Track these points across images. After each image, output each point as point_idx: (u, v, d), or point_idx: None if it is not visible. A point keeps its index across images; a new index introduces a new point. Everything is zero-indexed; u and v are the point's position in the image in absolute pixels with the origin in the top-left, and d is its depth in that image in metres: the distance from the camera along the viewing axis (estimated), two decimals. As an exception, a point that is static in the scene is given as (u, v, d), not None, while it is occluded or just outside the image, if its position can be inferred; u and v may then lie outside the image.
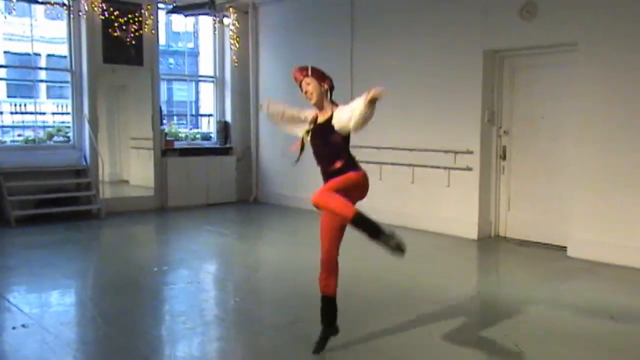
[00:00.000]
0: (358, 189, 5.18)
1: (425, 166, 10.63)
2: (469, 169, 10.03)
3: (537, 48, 9.39)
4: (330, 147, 5.19)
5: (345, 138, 5.21)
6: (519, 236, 9.89)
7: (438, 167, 10.42)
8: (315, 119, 5.30)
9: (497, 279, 8.30)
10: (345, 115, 4.99)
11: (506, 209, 10.07)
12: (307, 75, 5.21)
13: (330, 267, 5.46)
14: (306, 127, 5.35)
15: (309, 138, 5.30)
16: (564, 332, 5.87)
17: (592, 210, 8.63)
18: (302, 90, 5.24)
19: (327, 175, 5.26)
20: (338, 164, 5.18)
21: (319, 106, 5.23)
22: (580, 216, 8.77)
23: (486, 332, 6.01)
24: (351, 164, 5.21)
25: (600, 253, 8.49)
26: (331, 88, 5.27)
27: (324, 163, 5.27)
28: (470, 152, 10.00)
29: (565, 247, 8.98)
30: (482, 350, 5.49)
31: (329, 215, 5.22)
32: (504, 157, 10.01)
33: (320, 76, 5.22)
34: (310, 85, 5.18)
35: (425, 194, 10.73)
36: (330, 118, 5.14)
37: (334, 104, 5.25)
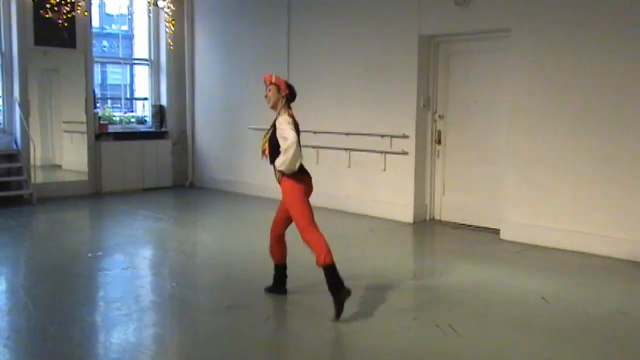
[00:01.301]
0: (308, 194, 6.07)
1: (362, 150, 10.70)
2: (405, 153, 10.13)
3: (472, 34, 9.53)
4: (274, 146, 5.90)
5: None
6: (454, 220, 10.05)
7: (374, 152, 10.50)
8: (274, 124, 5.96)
9: (432, 263, 8.41)
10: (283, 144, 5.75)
11: (441, 193, 10.21)
12: (271, 83, 5.97)
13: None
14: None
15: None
16: (497, 314, 6.00)
17: (523, 193, 8.81)
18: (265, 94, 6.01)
19: (275, 174, 6.00)
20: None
21: (275, 109, 5.99)
22: (512, 200, 8.96)
23: (421, 314, 6.10)
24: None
25: (532, 236, 8.69)
26: (290, 96, 6.00)
27: (273, 161, 5.95)
28: (406, 137, 10.10)
29: (498, 230, 9.16)
30: (418, 333, 5.57)
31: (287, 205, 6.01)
32: (439, 142, 10.13)
33: (281, 87, 5.96)
34: (271, 92, 5.96)
35: (361, 178, 10.81)
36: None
37: (289, 110, 5.99)
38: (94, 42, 13.34)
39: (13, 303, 6.36)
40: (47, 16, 11.99)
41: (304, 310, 6.03)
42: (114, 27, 17.42)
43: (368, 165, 10.68)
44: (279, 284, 6.39)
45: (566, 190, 8.42)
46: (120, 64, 15.33)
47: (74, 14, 12.24)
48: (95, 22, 13.98)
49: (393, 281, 7.02)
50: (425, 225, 10.10)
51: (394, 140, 10.25)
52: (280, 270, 6.37)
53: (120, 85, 15.83)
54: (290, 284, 6.43)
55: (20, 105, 11.87)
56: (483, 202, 9.64)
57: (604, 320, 5.91)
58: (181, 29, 13.92)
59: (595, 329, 5.69)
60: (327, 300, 6.16)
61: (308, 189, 6.08)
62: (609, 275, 7.42)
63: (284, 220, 6.17)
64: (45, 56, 12.48)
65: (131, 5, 14.41)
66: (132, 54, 15.28)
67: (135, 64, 14.94)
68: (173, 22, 13.67)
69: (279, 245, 6.26)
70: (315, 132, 11.33)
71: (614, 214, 8.03)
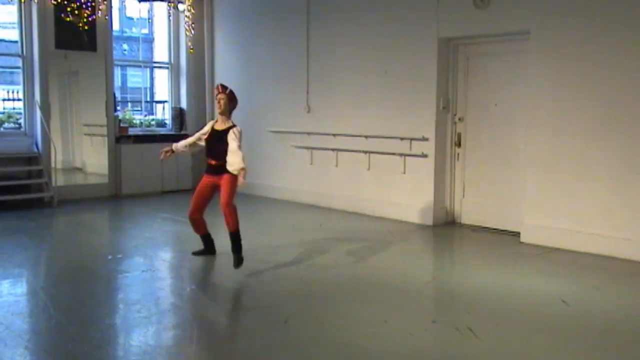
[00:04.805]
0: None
1: (381, 153, 10.68)
2: (424, 155, 10.10)
3: (491, 36, 9.48)
4: (222, 148, 7.35)
5: None
6: (473, 222, 10.00)
7: (394, 154, 10.47)
8: (213, 127, 7.62)
9: (451, 265, 8.38)
10: (232, 148, 7.28)
11: (461, 195, 10.17)
12: (224, 93, 7.52)
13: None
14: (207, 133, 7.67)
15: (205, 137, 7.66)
16: (517, 317, 5.96)
17: (544, 196, 8.75)
18: (216, 99, 7.61)
19: (214, 167, 7.47)
20: (222, 162, 7.38)
21: (223, 115, 7.55)
22: (532, 202, 8.89)
23: (441, 317, 6.08)
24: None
25: (552, 238, 8.62)
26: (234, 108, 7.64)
27: (215, 158, 7.45)
28: (426, 139, 10.07)
29: (518, 232, 9.10)
30: (437, 336, 5.55)
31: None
32: (458, 144, 10.09)
33: (232, 97, 7.56)
34: (223, 100, 7.50)
35: (381, 180, 10.78)
36: (228, 129, 7.40)
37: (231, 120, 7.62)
38: (114, 45, 13.43)
39: (33, 304, 6.40)
40: (68, 19, 12.08)
41: (321, 313, 6.02)
42: (134, 30, 17.55)
43: (387, 167, 10.65)
44: (210, 247, 8.06)
45: (587, 193, 8.35)
46: (140, 66, 15.42)
47: (94, 17, 12.33)
48: (116, 25, 14.10)
49: (412, 283, 7.00)
50: (445, 228, 10.05)
51: (414, 142, 10.22)
52: (207, 238, 8.02)
53: (140, 88, 15.92)
54: (307, 287, 6.42)
55: (40, 108, 11.95)
56: (503, 204, 9.59)
57: (625, 322, 5.86)
58: (201, 32, 13.97)
59: (616, 332, 5.63)
60: (343, 303, 6.18)
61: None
62: (630, 278, 7.35)
63: (205, 205, 7.74)
64: (66, 59, 12.57)
65: (151, 8, 14.49)
66: (152, 57, 15.37)
67: (155, 66, 15.03)
68: (193, 25, 13.74)
69: (203, 222, 7.86)
70: (334, 135, 11.33)
71: (635, 216, 7.94)
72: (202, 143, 7.73)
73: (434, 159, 10.04)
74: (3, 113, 13.02)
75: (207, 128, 7.70)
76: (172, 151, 8.04)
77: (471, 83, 9.94)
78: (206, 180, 7.60)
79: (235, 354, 5.13)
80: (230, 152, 7.26)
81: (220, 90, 7.54)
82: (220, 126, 7.52)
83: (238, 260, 7.32)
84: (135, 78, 17.98)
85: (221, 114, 7.54)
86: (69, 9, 12.04)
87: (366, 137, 10.88)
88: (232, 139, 7.31)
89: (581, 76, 8.34)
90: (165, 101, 14.72)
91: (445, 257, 8.93)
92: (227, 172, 7.30)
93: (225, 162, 7.31)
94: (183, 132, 14.09)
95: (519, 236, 9.04)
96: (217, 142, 7.42)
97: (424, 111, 10.09)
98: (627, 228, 8.01)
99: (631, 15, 7.88)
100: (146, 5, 14.31)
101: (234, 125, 7.48)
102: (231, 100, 7.54)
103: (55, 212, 11.32)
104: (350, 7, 11.15)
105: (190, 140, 7.99)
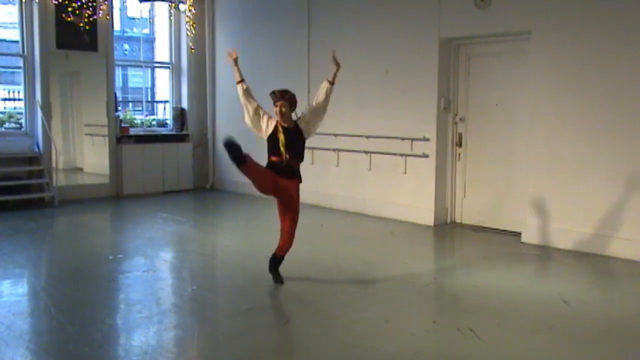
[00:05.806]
0: None
1: (382, 153, 10.68)
2: (425, 155, 10.10)
3: (492, 36, 9.47)
4: (300, 146, 6.74)
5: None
6: (474, 222, 10.00)
7: (395, 154, 10.46)
8: (281, 126, 6.66)
9: (452, 265, 8.37)
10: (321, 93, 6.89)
11: (462, 195, 10.16)
12: (284, 99, 6.64)
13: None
14: (270, 127, 6.78)
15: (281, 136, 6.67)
16: (517, 317, 5.95)
17: (544, 196, 8.75)
18: (276, 106, 6.66)
19: (288, 167, 6.65)
20: (297, 165, 6.82)
21: (287, 121, 6.68)
22: (532, 202, 8.89)
23: (442, 317, 6.08)
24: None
25: (553, 238, 8.62)
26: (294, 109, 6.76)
27: (294, 157, 6.71)
28: (427, 139, 10.06)
29: (519, 232, 9.10)
30: (438, 336, 5.54)
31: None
32: (459, 144, 10.08)
33: (293, 101, 6.74)
34: (285, 107, 6.63)
35: (382, 180, 10.78)
36: (296, 125, 6.73)
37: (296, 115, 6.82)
38: (115, 45, 13.43)
39: (34, 305, 6.40)
40: (69, 19, 12.09)
41: (322, 313, 6.02)
42: (135, 30, 17.53)
43: (388, 167, 10.65)
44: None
45: (587, 193, 8.34)
46: (141, 66, 15.40)
47: (95, 17, 12.33)
48: (117, 25, 14.08)
49: (413, 284, 6.99)
50: (446, 228, 10.05)
51: (414, 142, 10.21)
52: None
53: (141, 88, 15.90)
54: (308, 287, 6.43)
55: (41, 108, 11.96)
56: (504, 204, 9.58)
57: (625, 323, 5.86)
58: (202, 31, 13.98)
59: (616, 332, 5.63)
60: (344, 303, 6.18)
61: None
62: (631, 278, 7.35)
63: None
64: (67, 59, 12.58)
65: (152, 8, 14.48)
66: (153, 57, 15.36)
67: (156, 66, 15.02)
68: (194, 25, 13.75)
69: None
70: (335, 135, 11.32)
71: (635, 216, 7.94)
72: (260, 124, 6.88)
73: (435, 159, 10.04)
74: (4, 113, 13.02)
75: (271, 124, 6.80)
76: (237, 68, 7.05)
77: (472, 83, 9.94)
78: (273, 175, 6.64)
79: (237, 354, 5.12)
80: (321, 95, 6.93)
81: (278, 97, 6.66)
82: (289, 125, 6.73)
83: (279, 279, 6.87)
84: (136, 78, 17.96)
85: (283, 122, 6.68)
86: (70, 9, 12.04)
87: (367, 137, 10.88)
88: (311, 111, 6.88)
89: (582, 76, 8.34)
90: (166, 101, 14.71)
91: (446, 257, 8.94)
92: (297, 177, 6.84)
93: (296, 164, 6.76)
94: (184, 132, 14.10)
95: (520, 236, 9.04)
96: (295, 139, 6.71)
97: (425, 111, 10.09)
98: (628, 228, 8.00)
99: (632, 15, 7.88)
100: (147, 5, 14.30)
101: (298, 118, 6.81)
102: (292, 105, 6.73)
103: (56, 212, 11.33)
104: (351, 7, 11.15)
105: (251, 104, 6.94)
